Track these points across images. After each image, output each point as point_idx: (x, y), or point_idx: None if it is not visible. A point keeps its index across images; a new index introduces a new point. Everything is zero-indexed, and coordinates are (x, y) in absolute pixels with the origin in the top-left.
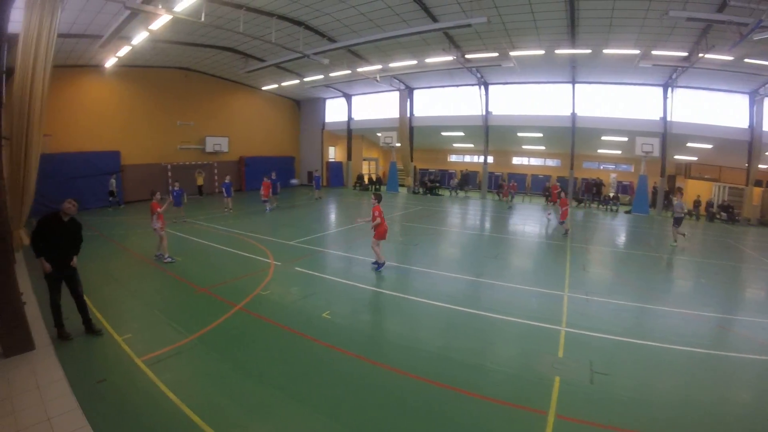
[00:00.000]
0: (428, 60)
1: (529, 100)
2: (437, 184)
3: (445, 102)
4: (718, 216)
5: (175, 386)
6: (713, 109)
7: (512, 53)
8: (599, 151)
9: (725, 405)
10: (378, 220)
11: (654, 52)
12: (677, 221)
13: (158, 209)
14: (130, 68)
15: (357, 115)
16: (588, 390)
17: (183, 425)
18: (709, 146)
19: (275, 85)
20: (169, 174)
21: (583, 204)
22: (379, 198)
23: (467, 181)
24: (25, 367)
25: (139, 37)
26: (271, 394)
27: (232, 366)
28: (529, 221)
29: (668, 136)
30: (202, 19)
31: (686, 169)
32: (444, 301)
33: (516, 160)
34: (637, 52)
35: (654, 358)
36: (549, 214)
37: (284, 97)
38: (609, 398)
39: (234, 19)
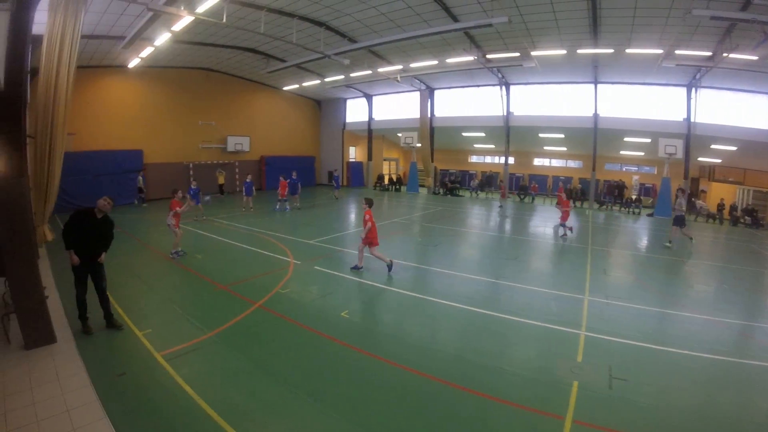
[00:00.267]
0: (449, 60)
1: (551, 100)
2: (457, 185)
3: (466, 102)
4: (741, 220)
5: (193, 381)
6: (738, 110)
7: (534, 53)
8: (622, 152)
9: (745, 414)
10: (369, 225)
11: (677, 52)
12: (678, 220)
13: (177, 208)
14: (152, 68)
15: (378, 116)
16: (606, 395)
17: (200, 420)
18: (734, 148)
19: (296, 86)
20: (191, 173)
21: (604, 206)
22: (370, 203)
23: (489, 182)
24: (46, 360)
25: (162, 38)
26: (288, 391)
27: (249, 363)
28: (550, 223)
29: (692, 137)
30: (224, 20)
31: (710, 172)
32: (463, 303)
33: (537, 162)
34: (660, 51)
35: (674, 364)
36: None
37: (305, 97)
38: (627, 404)
39: (255, 20)
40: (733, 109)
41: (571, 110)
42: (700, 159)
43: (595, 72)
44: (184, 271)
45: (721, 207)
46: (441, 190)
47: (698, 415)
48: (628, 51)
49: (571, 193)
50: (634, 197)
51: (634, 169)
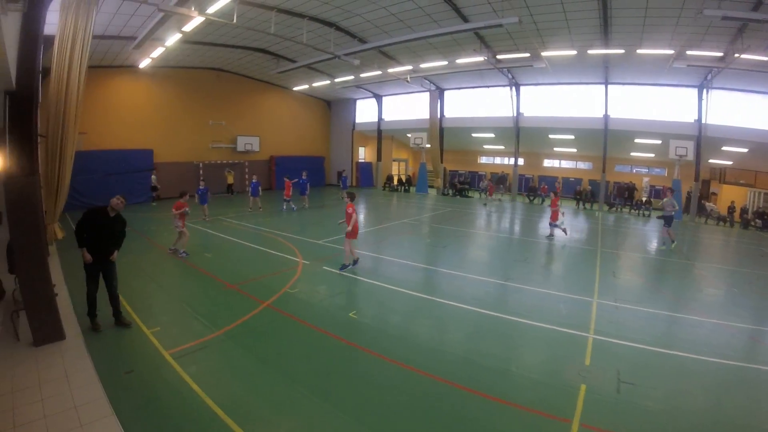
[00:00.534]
0: (459, 60)
1: (561, 101)
2: (467, 186)
3: (476, 103)
4: (752, 223)
5: (201, 379)
6: (749, 111)
7: (544, 53)
8: (632, 154)
9: (754, 420)
10: (354, 216)
11: (688, 52)
12: (668, 220)
13: (183, 208)
14: (163, 68)
15: (387, 116)
16: (614, 399)
17: (207, 418)
18: (745, 150)
19: (306, 86)
20: (201, 172)
21: (614, 208)
22: (352, 197)
23: (500, 182)
24: (55, 356)
25: (173, 39)
26: (296, 390)
27: (257, 362)
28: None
29: (703, 139)
30: (234, 20)
31: (721, 174)
32: (471, 304)
33: (547, 163)
34: (671, 52)
35: (683, 368)
36: (562, 213)
37: (315, 98)
38: (635, 408)
39: (265, 21)
40: (745, 111)
41: (582, 111)
42: (711, 161)
43: (605, 73)
44: (192, 269)
45: (731, 209)
46: (450, 191)
47: (706, 421)
48: (639, 51)
49: (581, 194)
50: (644, 199)
51: (645, 170)
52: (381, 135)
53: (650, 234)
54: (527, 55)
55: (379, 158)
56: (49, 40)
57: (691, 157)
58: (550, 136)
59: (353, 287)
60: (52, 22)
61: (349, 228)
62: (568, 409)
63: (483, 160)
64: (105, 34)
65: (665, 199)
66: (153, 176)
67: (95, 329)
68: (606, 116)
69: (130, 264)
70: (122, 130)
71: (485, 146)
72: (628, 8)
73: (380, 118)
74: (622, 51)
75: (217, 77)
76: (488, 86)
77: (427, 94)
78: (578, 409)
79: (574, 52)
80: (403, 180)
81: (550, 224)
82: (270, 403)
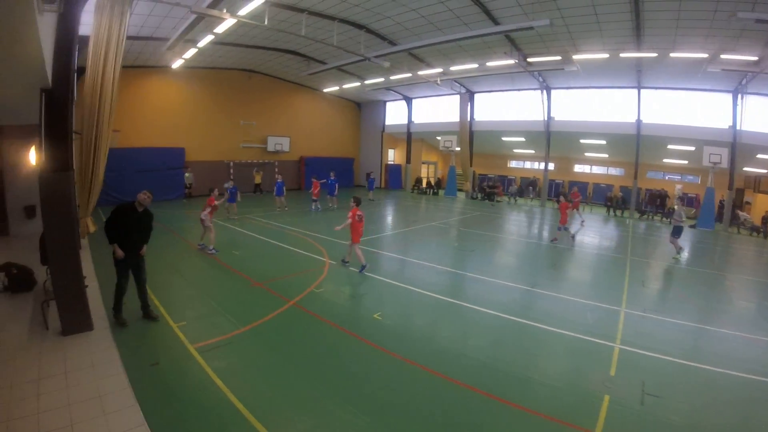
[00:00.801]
0: (489, 63)
1: (593, 105)
2: (495, 190)
3: (506, 106)
4: None
5: (225, 375)
6: None
7: (575, 56)
8: (665, 160)
9: None
10: (349, 221)
11: (723, 56)
12: (677, 231)
13: (213, 203)
14: (195, 69)
15: (417, 118)
16: (638, 412)
17: (228, 413)
18: None
19: (336, 88)
20: (231, 171)
21: (646, 216)
22: (357, 202)
23: (533, 186)
24: (82, 346)
25: (205, 40)
26: (317, 389)
27: (281, 359)
28: (589, 232)
29: (737, 146)
30: (266, 22)
31: (756, 183)
32: (496, 310)
33: (578, 168)
34: (705, 55)
35: (710, 383)
36: (583, 221)
37: (345, 99)
38: (659, 422)
39: (296, 23)
40: None
41: (614, 116)
42: (745, 169)
43: (638, 77)
44: (220, 266)
45: (766, 220)
46: (479, 195)
47: None
48: (672, 55)
49: (612, 200)
50: (676, 207)
51: (678, 177)
52: (410, 137)
53: (681, 243)
54: (558, 58)
55: (408, 160)
56: (84, 41)
57: (725, 164)
58: (582, 141)
59: (379, 288)
60: (86, 23)
61: (340, 228)
62: (591, 419)
63: (513, 164)
64: (139, 35)
65: (675, 209)
66: (187, 174)
67: (120, 324)
68: (638, 121)
69: (159, 259)
70: (155, 129)
71: (515, 150)
72: (661, 10)
73: (410, 121)
74: (655, 54)
75: (248, 78)
76: (519, 89)
77: (458, 96)
78: (601, 419)
79: (606, 55)
80: (432, 183)
81: (559, 228)
82: (292, 401)
